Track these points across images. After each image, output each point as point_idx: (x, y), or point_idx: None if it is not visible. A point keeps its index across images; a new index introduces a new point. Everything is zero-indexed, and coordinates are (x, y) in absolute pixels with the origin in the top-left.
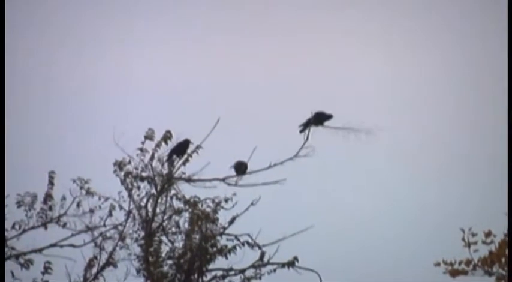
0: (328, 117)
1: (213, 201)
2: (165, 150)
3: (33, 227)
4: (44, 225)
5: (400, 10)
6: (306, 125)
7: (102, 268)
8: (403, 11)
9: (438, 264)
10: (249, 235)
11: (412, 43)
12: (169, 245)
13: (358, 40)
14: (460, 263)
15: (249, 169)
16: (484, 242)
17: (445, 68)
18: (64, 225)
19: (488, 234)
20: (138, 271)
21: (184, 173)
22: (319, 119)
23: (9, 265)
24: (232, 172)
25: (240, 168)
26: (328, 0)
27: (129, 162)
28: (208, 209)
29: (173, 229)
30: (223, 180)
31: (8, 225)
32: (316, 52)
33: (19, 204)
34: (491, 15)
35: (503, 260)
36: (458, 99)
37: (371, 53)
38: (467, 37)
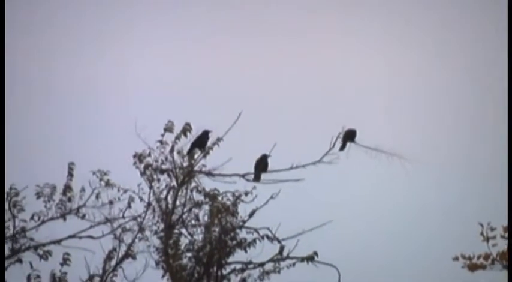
0: (354, 132)
1: (233, 194)
2: (184, 142)
3: (52, 218)
4: (63, 216)
5: (401, 11)
6: (344, 143)
7: (121, 260)
8: (403, 12)
9: (457, 259)
10: (268, 229)
11: (412, 43)
12: (189, 237)
13: (383, 43)
14: (478, 257)
15: (269, 167)
16: (502, 237)
17: (446, 68)
18: (83, 217)
19: (506, 228)
20: (157, 263)
21: (204, 166)
22: (350, 136)
23: (28, 256)
24: (253, 169)
25: (260, 164)
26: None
27: (149, 155)
28: (228, 202)
29: (193, 222)
30: (243, 176)
31: (27, 216)
32: (340, 55)
33: (38, 195)
34: (491, 16)
35: None
36: (459, 99)
37: (392, 57)
38: (468, 37)
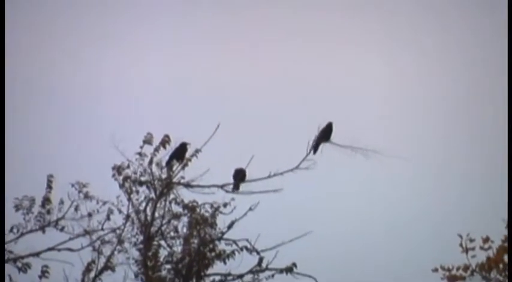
0: (329, 127)
1: (212, 206)
2: (163, 154)
3: (31, 231)
4: (42, 228)
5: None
6: (317, 145)
7: (100, 272)
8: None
9: (436, 270)
10: (247, 240)
11: (412, 47)
12: (168, 249)
13: (361, 47)
14: (457, 269)
15: (248, 177)
16: (481, 248)
17: (445, 71)
18: (62, 229)
19: (486, 240)
20: (136, 275)
21: (183, 178)
22: (325, 134)
23: (7, 269)
24: (231, 179)
25: (238, 176)
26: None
27: (128, 167)
28: (206, 214)
29: (172, 233)
30: (222, 187)
31: (6, 228)
32: (321, 59)
33: (17, 207)
34: (491, 16)
35: (500, 265)
36: (457, 102)
37: (372, 60)
38: (467, 39)
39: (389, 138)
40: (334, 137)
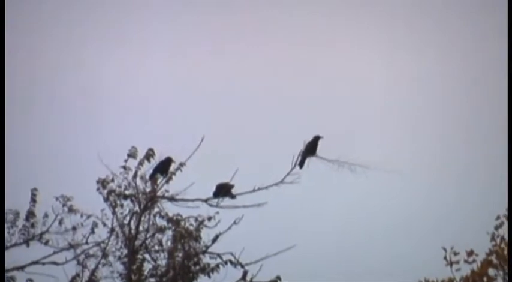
0: (315, 141)
1: (196, 219)
2: (148, 168)
3: (15, 244)
4: (26, 242)
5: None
6: (303, 159)
7: None
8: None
9: None
10: (231, 254)
11: (412, 47)
12: (152, 263)
13: (360, 47)
14: None
15: (232, 191)
16: (466, 261)
17: (445, 71)
18: (46, 243)
19: (470, 253)
20: None
21: (167, 191)
22: (311, 148)
23: None
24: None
25: (222, 190)
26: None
27: (112, 180)
28: (191, 227)
29: (156, 247)
30: (206, 201)
31: None
32: (309, 71)
33: None
34: (491, 16)
35: (485, 279)
36: (455, 107)
37: (371, 61)
38: (468, 40)
39: (384, 144)
40: (322, 150)
